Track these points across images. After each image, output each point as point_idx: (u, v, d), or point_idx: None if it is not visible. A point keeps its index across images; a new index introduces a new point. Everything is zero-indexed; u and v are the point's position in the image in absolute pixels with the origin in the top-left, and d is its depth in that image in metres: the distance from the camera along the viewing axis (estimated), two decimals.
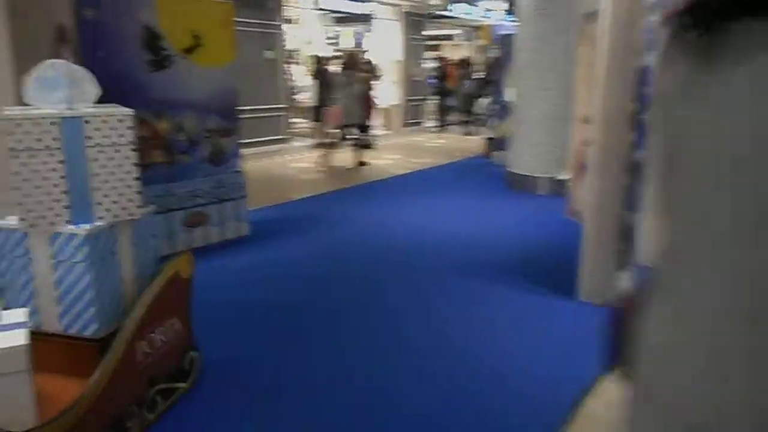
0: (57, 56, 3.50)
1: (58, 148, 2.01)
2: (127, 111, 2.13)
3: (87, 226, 2.05)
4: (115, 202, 2.14)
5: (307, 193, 6.75)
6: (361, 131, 8.39)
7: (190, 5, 4.44)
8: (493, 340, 3.07)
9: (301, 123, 11.17)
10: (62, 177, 2.03)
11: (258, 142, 9.39)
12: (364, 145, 8.53)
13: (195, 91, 4.54)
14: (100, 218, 2.12)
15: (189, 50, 4.47)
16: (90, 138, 2.06)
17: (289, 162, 8.91)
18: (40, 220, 2.03)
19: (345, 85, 8.30)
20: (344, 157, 8.47)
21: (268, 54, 9.36)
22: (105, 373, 2.02)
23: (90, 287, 2.07)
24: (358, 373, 2.75)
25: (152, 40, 4.24)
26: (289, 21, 13.50)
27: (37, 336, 2.16)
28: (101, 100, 3.96)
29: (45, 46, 3.28)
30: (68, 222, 2.07)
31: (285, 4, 9.85)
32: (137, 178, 2.17)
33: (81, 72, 2.17)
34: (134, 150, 2.14)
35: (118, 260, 2.20)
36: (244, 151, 8.82)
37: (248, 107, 8.98)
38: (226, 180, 4.72)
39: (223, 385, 2.62)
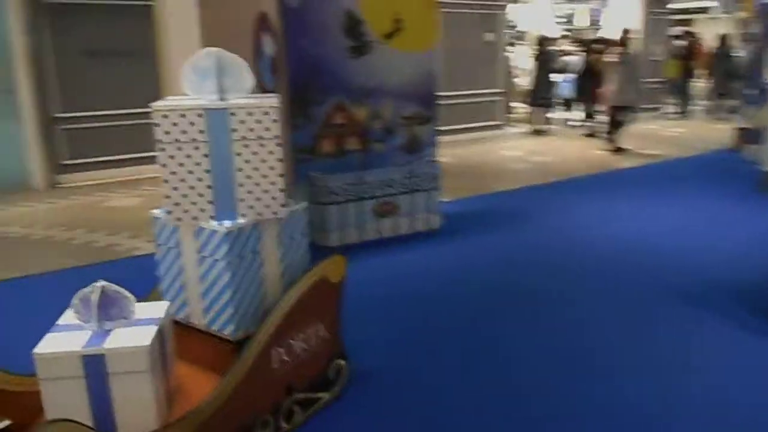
0: (258, 45, 3.61)
1: (204, 141, 1.94)
2: (273, 102, 1.98)
3: (228, 224, 1.96)
4: (258, 199, 2.02)
5: (513, 184, 6.29)
6: (588, 116, 7.72)
7: None
8: (713, 399, 2.39)
9: (520, 108, 10.60)
10: (207, 171, 1.96)
11: (472, 128, 9.12)
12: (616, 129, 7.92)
13: (394, 77, 4.40)
14: (243, 215, 2.02)
15: (390, 35, 4.33)
16: (235, 131, 1.96)
17: (500, 150, 8.47)
18: (185, 214, 1.99)
19: (624, 64, 7.77)
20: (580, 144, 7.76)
21: (488, 36, 8.96)
22: (233, 378, 1.92)
23: (228, 287, 1.98)
24: (529, 399, 2.33)
25: (354, 27, 4.18)
26: (515, 1, 12.90)
27: (185, 328, 2.18)
28: (302, 87, 4.05)
29: (244, 34, 3.37)
30: (212, 218, 2.00)
31: None
32: (281, 175, 2.03)
33: (237, 61, 2.07)
34: (279, 145, 2.00)
35: (261, 260, 2.09)
36: (456, 137, 8.75)
37: (463, 92, 8.77)
38: (420, 170, 4.51)
39: (373, 396, 2.41)
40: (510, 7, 9.89)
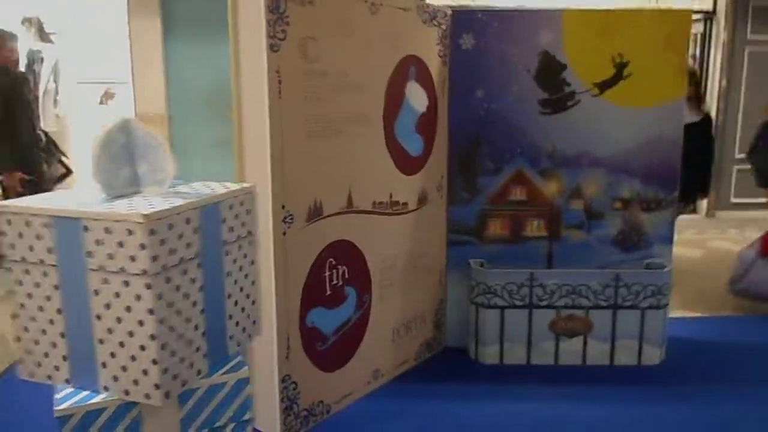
0: (396, 98, 2.80)
1: (53, 265, 1.24)
2: (138, 216, 1.17)
3: (67, 403, 1.22)
4: (124, 369, 1.23)
5: None
6: None
7: (616, 19, 3.04)
8: None
9: None
10: (59, 311, 1.26)
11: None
12: None
13: (607, 142, 3.12)
14: (106, 389, 1.25)
15: (606, 84, 3.08)
16: (90, 255, 1.21)
17: None
18: (38, 369, 1.31)
19: None
20: None
21: None
22: None
23: None
24: None
25: (552, 73, 3.07)
26: None
27: None
28: (469, 151, 3.10)
29: (371, 86, 2.60)
30: (67, 381, 1.28)
31: None
32: (153, 336, 1.19)
33: (151, 138, 1.32)
34: (150, 287, 1.17)
35: None
36: (737, 214, 6.48)
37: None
38: (636, 277, 3.11)
39: None
40: None
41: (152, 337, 1.19)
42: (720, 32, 6.34)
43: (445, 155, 3.14)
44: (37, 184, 4.37)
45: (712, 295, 4.21)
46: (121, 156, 1.32)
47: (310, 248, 2.44)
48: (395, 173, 2.83)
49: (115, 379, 1.26)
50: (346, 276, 2.63)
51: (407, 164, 2.90)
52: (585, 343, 3.13)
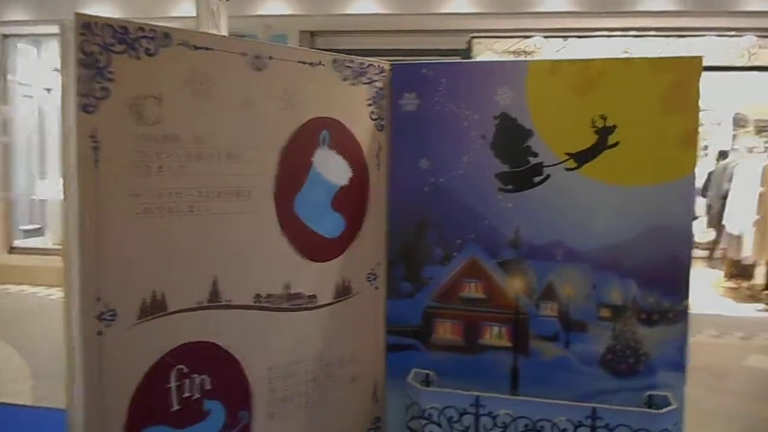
0: (296, 170, 2.30)
1: None
2: None
3: None
4: None
5: None
6: None
7: (597, 71, 2.34)
8: None
9: None
10: None
11: None
12: None
13: (588, 231, 2.36)
14: None
15: (585, 155, 2.37)
16: None
17: None
18: None
19: None
20: None
21: None
22: None
23: None
24: None
25: (513, 140, 2.42)
26: None
27: None
28: (412, 235, 2.51)
29: (255, 154, 2.14)
30: None
31: None
32: None
33: None
34: None
35: None
36: None
37: None
38: (621, 416, 2.27)
39: None
40: None
41: None
42: None
43: (382, 237, 2.56)
44: None
45: None
46: None
47: (143, 352, 1.95)
48: (294, 259, 2.29)
49: None
50: (207, 387, 2.11)
51: (316, 248, 2.35)
52: None
